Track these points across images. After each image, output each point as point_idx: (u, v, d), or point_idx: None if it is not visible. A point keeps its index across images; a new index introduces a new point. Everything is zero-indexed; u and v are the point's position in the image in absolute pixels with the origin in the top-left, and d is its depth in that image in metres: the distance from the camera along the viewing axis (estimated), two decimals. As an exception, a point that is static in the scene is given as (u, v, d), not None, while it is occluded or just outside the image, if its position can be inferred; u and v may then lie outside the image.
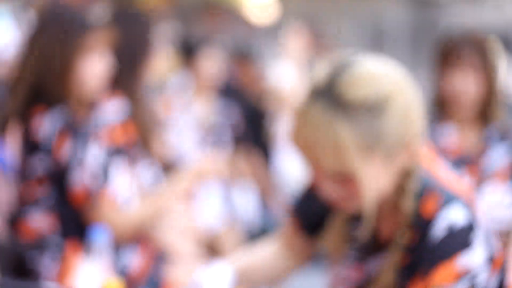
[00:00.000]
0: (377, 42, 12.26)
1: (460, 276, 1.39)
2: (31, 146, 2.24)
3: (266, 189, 4.33)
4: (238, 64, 4.36)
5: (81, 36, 2.24)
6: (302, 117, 1.39)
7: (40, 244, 2.28)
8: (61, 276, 2.22)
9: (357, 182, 1.38)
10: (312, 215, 1.65)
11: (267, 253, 1.72)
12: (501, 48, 2.50)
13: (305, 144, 1.39)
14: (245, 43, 4.38)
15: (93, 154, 2.23)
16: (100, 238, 2.00)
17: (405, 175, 1.45)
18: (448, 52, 2.40)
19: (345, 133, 1.35)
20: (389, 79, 1.39)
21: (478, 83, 2.38)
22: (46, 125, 2.22)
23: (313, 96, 1.39)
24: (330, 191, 1.43)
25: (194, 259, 2.97)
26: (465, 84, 2.38)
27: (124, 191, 2.39)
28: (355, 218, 1.55)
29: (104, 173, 2.26)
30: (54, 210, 2.26)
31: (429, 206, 1.44)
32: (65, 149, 2.21)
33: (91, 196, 2.22)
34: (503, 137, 2.45)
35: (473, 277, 1.40)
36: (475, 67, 2.37)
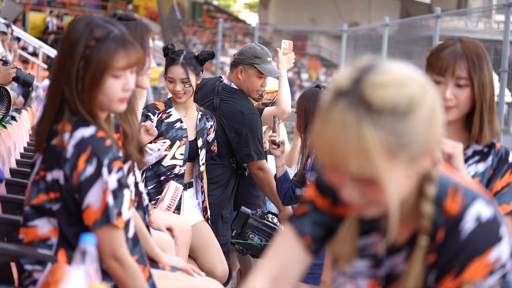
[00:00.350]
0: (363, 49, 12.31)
1: (493, 268, 1.41)
2: (52, 162, 2.23)
3: (271, 194, 4.31)
4: (243, 70, 4.33)
5: (111, 55, 2.22)
6: (326, 118, 1.37)
7: (34, 253, 2.27)
8: (50, 284, 2.22)
9: (380, 185, 1.37)
10: (321, 231, 1.62)
11: None
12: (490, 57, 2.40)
13: (328, 145, 1.36)
14: (248, 50, 4.33)
15: (112, 174, 2.21)
16: (90, 245, 2.00)
17: (425, 178, 1.45)
18: (439, 64, 2.29)
19: (370, 135, 1.33)
20: (415, 83, 1.38)
21: (469, 96, 2.28)
22: (70, 142, 2.20)
23: (338, 97, 1.37)
24: (352, 193, 1.41)
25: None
26: (454, 97, 2.26)
27: (128, 210, 2.33)
28: (367, 224, 1.55)
29: (120, 193, 2.23)
30: (59, 223, 2.25)
31: (455, 204, 1.45)
32: (86, 167, 2.19)
33: (105, 216, 2.20)
34: (482, 157, 2.33)
35: (504, 269, 1.42)
36: (467, 80, 2.27)
